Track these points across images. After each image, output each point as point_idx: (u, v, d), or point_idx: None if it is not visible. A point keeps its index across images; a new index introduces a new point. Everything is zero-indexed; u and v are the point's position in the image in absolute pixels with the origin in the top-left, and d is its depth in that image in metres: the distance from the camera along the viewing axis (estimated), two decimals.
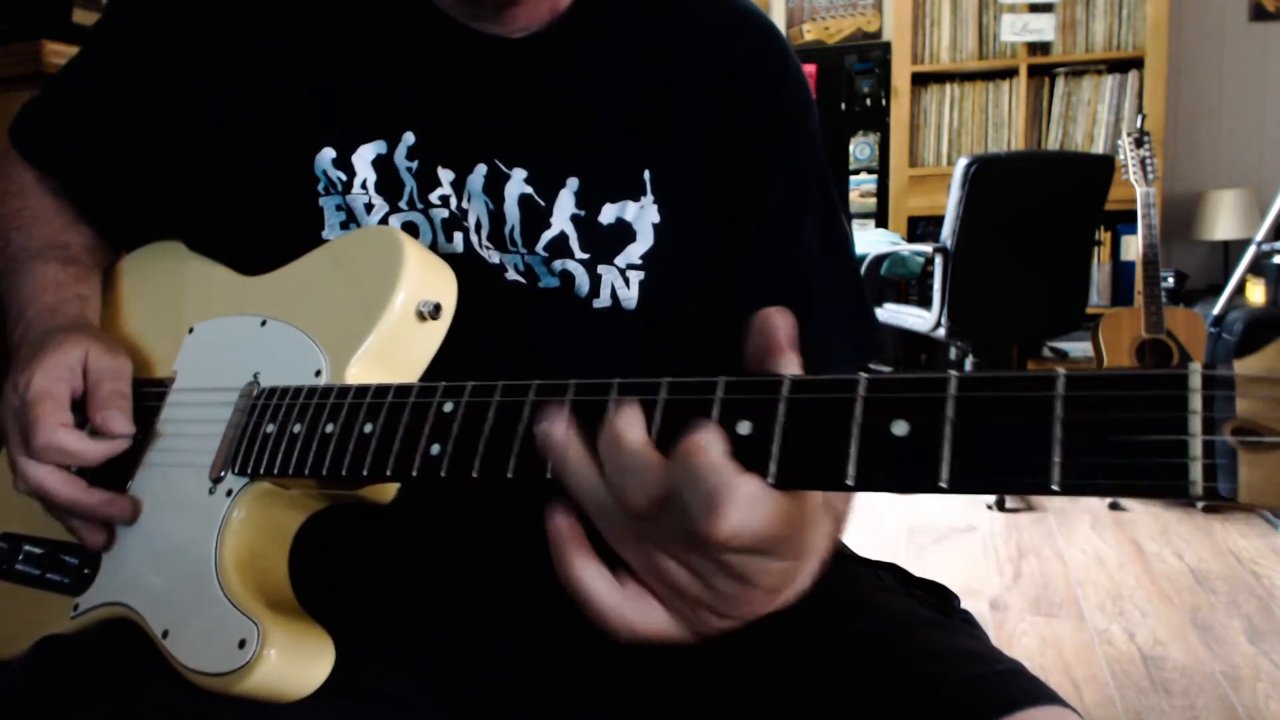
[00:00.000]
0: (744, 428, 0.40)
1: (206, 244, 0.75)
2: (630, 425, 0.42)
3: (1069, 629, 2.13)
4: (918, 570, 0.71)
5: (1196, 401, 0.32)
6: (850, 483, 0.37)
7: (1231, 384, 0.31)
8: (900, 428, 0.37)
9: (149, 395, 0.69)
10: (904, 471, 0.37)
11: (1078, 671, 1.93)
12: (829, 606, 0.62)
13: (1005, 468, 0.35)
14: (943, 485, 0.35)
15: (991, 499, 3.00)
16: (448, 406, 0.51)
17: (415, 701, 0.63)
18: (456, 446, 0.49)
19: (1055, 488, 0.33)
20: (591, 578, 0.44)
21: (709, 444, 0.39)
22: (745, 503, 0.39)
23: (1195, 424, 0.31)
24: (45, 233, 0.79)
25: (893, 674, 0.56)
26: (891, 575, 0.71)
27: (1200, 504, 2.94)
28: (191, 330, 0.71)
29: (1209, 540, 2.69)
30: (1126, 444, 0.33)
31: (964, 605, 0.67)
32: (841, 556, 0.72)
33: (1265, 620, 2.16)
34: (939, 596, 0.68)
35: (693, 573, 0.43)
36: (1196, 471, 0.31)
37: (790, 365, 0.42)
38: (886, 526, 2.85)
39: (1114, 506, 2.99)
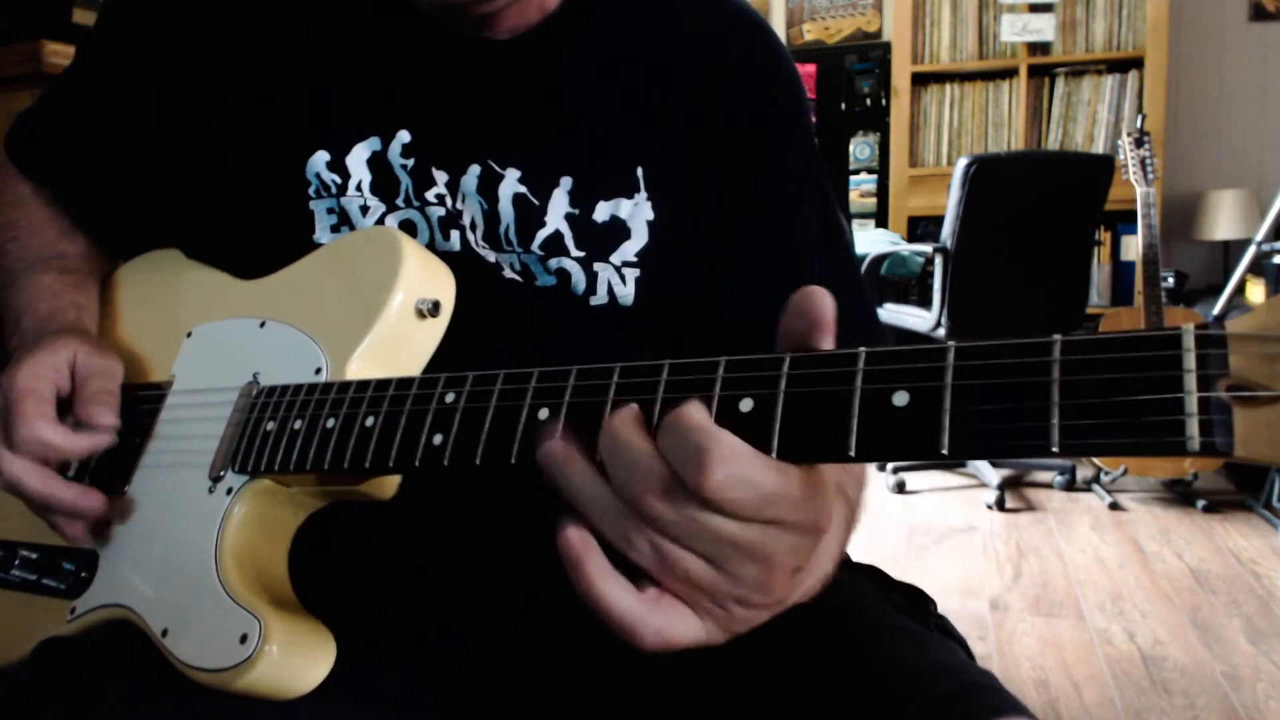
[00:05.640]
0: (746, 405, 0.40)
1: (202, 250, 0.75)
2: (625, 420, 0.42)
3: (1069, 629, 2.13)
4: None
5: (1191, 360, 0.32)
6: (852, 453, 0.38)
7: (1224, 342, 0.32)
8: (900, 398, 0.37)
9: (148, 399, 0.69)
10: (905, 440, 0.37)
11: (1078, 671, 1.93)
12: (805, 612, 0.63)
13: (1005, 432, 0.35)
14: (944, 452, 0.36)
15: (992, 499, 3.00)
16: (449, 397, 0.51)
17: (414, 701, 0.63)
18: (459, 435, 0.49)
19: (1055, 449, 0.34)
20: (612, 588, 0.42)
21: (691, 411, 0.40)
22: (731, 455, 0.38)
23: (1190, 381, 0.32)
24: (41, 243, 0.79)
25: (862, 686, 0.56)
26: (870, 579, 0.71)
27: (1200, 504, 2.94)
28: (190, 334, 0.71)
29: (1209, 540, 2.69)
30: (1123, 404, 0.33)
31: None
32: None
33: (1265, 620, 2.16)
34: (916, 602, 0.68)
35: (708, 561, 0.41)
36: (1193, 427, 0.32)
37: (828, 344, 0.42)
38: (887, 526, 2.85)
39: (1114, 507, 2.99)
